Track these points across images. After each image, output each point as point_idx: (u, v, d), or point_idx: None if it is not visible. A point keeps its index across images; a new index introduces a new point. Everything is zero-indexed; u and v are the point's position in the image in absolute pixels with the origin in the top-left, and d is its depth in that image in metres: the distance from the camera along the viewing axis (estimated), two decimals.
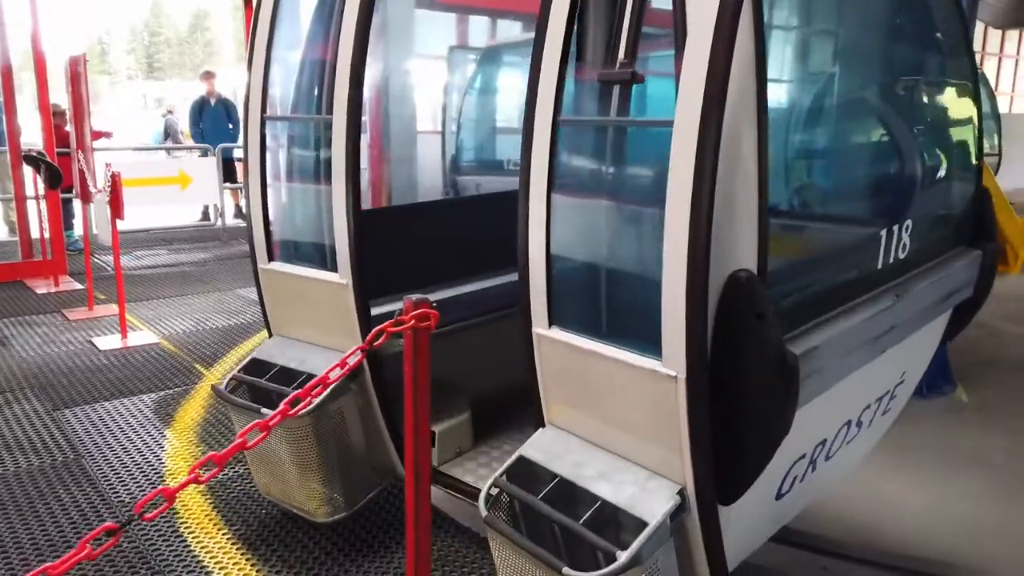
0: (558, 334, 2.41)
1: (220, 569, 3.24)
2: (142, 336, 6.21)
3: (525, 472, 2.47)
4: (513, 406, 4.08)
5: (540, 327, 2.45)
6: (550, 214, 2.33)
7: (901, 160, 3.01)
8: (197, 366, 5.56)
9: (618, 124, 2.22)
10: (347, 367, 2.38)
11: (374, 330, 2.37)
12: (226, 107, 11.57)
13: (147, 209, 10.09)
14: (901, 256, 2.88)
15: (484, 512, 2.37)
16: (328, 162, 3.03)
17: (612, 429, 2.32)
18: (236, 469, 4.06)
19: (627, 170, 2.26)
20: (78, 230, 9.74)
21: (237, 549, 3.38)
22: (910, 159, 3.04)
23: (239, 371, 3.40)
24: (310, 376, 3.19)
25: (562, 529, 2.24)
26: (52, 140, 8.54)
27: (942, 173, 3.40)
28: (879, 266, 2.77)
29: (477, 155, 4.81)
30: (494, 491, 2.43)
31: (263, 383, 3.25)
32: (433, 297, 3.91)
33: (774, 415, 2.11)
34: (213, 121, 11.43)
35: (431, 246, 3.79)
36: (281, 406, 2.23)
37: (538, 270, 2.40)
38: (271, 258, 3.38)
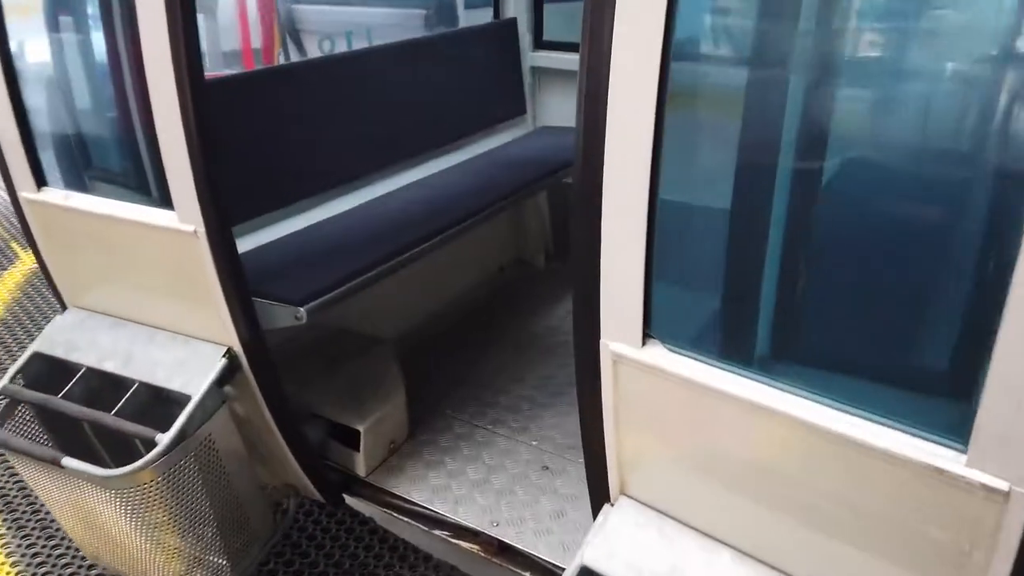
0: (662, 357, 1.21)
1: None
2: None
3: None
4: (437, 353, 2.90)
5: (620, 342, 1.24)
6: (660, 116, 1.07)
7: None
8: (13, 245, 4.36)
9: None
10: None
11: None
12: None
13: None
14: None
15: None
16: None
17: (783, 529, 1.21)
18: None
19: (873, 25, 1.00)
20: None
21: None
22: None
23: (13, 378, 1.96)
24: (145, 386, 1.85)
25: None
26: None
27: None
28: None
29: None
30: None
31: (60, 403, 1.86)
32: (326, 214, 2.58)
33: None
34: None
35: (316, 133, 2.39)
36: None
37: (624, 229, 1.15)
38: (41, 181, 1.87)
